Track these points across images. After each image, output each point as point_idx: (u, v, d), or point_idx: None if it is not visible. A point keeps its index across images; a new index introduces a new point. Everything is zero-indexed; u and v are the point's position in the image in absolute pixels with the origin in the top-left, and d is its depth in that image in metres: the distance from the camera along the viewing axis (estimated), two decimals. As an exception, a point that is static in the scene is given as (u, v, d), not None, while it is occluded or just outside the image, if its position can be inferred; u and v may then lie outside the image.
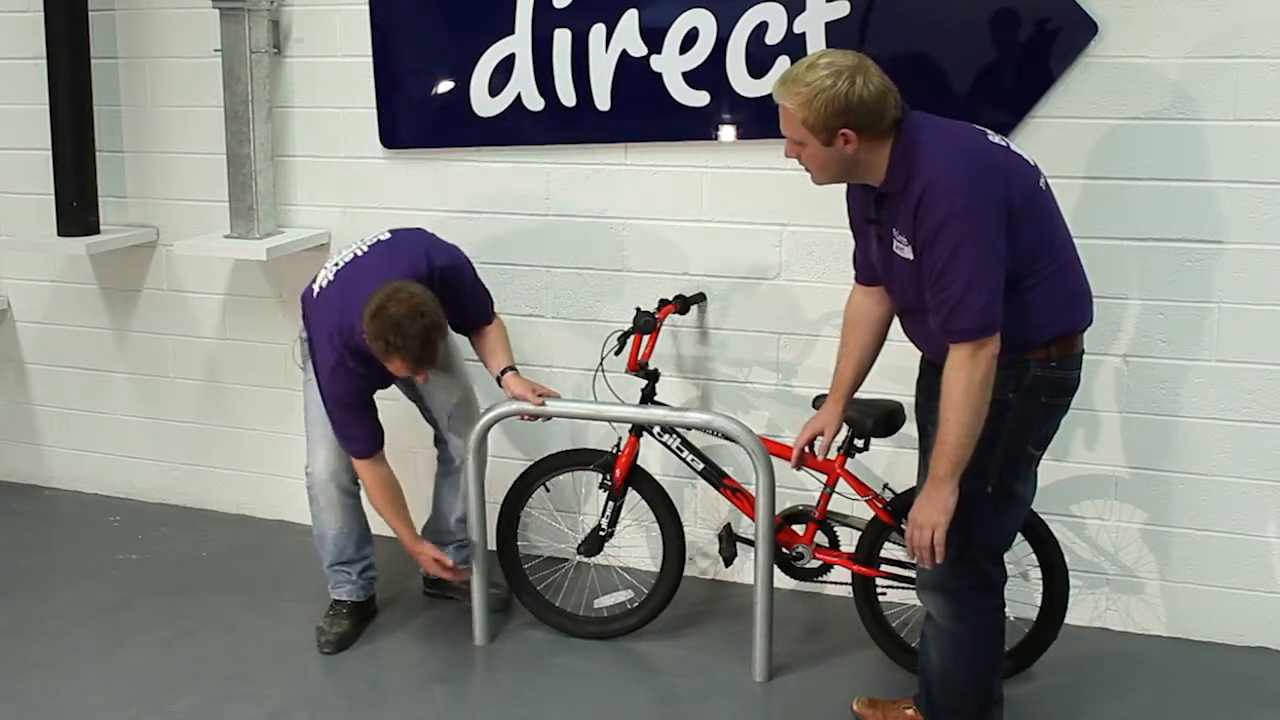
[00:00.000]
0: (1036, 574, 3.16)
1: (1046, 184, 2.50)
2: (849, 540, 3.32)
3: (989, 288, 2.34)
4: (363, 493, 3.45)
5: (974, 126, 2.50)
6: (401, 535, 3.31)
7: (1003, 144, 2.48)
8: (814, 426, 2.95)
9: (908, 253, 2.44)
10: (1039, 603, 3.16)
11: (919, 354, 2.74)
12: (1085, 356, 2.58)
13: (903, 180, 2.39)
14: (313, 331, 3.22)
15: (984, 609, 2.67)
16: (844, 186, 2.65)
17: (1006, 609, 2.74)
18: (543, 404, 3.23)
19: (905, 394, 2.89)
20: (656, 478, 3.45)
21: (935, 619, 2.71)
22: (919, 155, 2.38)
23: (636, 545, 3.83)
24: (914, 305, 2.53)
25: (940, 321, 2.39)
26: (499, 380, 3.29)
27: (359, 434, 3.22)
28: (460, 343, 3.51)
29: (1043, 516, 3.13)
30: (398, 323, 2.91)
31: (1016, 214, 2.37)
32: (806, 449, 2.99)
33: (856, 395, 3.09)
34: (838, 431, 2.95)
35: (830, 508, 3.28)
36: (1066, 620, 3.15)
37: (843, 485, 3.24)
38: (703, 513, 3.80)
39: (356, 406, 3.19)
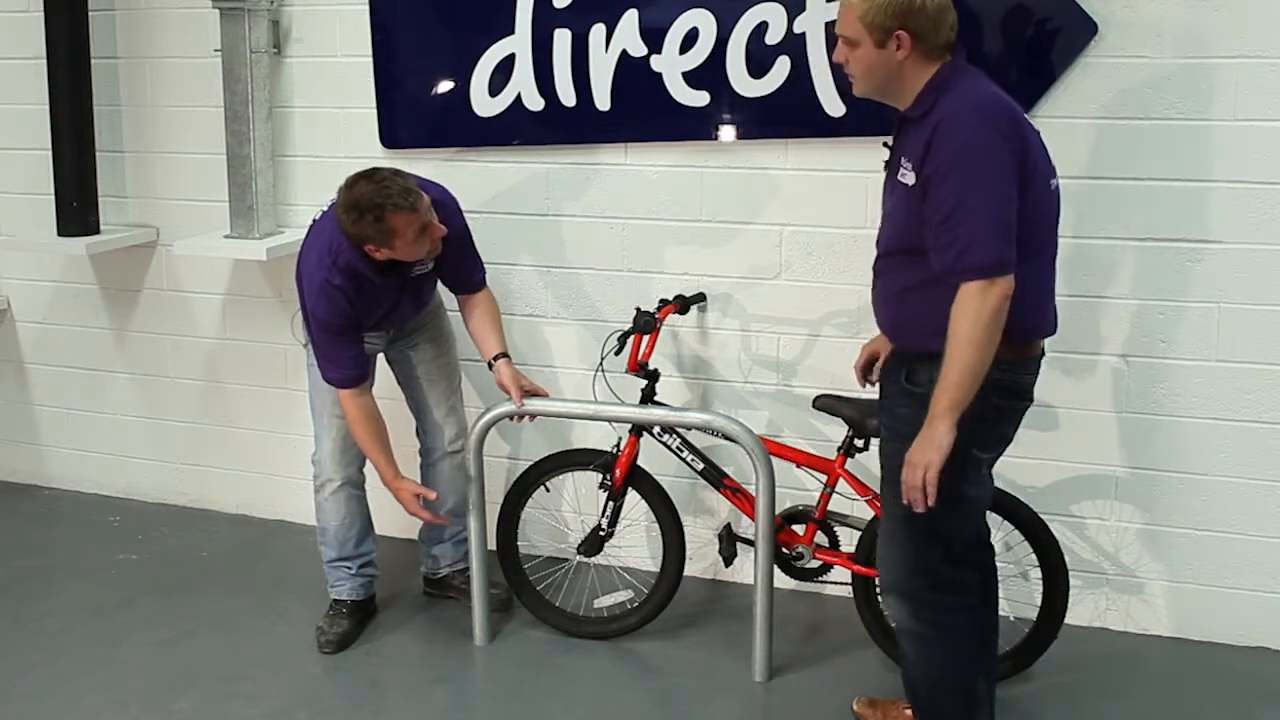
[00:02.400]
0: (1036, 574, 3.16)
1: (1057, 186, 2.48)
2: (849, 540, 3.32)
3: (1003, 224, 2.30)
4: (369, 488, 3.47)
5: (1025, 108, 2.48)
6: (381, 470, 3.22)
7: (1036, 129, 2.46)
8: (871, 348, 2.91)
9: (909, 178, 2.40)
10: (1039, 603, 3.16)
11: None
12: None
13: (927, 106, 2.37)
14: (302, 261, 3.16)
15: (945, 609, 2.60)
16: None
17: (975, 608, 2.66)
18: (523, 404, 3.23)
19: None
20: (656, 478, 3.45)
21: (898, 621, 2.68)
22: (950, 89, 2.36)
23: (636, 545, 3.83)
24: (897, 245, 2.49)
25: (952, 258, 2.32)
26: (490, 365, 3.28)
27: (343, 361, 3.14)
28: (461, 340, 3.52)
29: (1043, 516, 3.13)
30: (370, 194, 2.89)
31: (1023, 181, 2.34)
32: (865, 372, 2.94)
33: (856, 396, 3.10)
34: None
35: (830, 508, 3.28)
36: (1066, 620, 3.15)
37: (843, 485, 3.24)
38: (703, 513, 3.80)
39: (343, 332, 3.11)
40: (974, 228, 2.29)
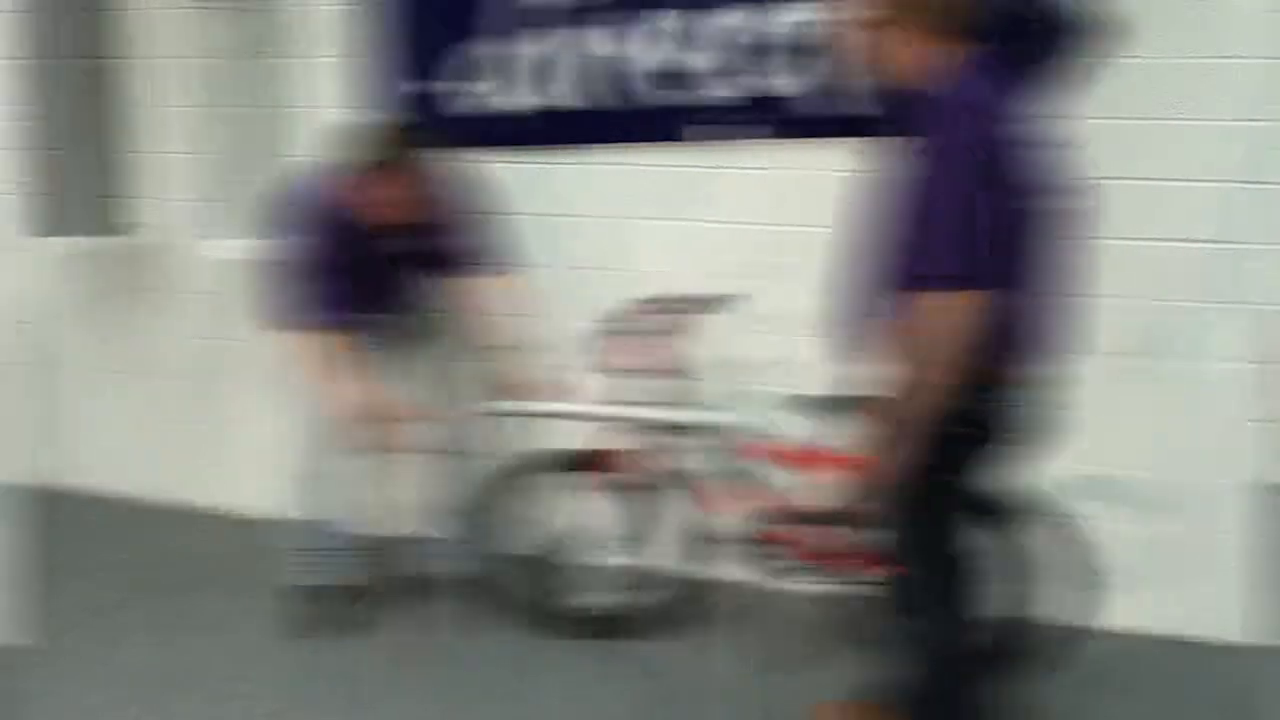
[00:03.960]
0: (1029, 574, 3.15)
1: (1054, 211, 2.32)
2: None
3: (974, 232, 2.16)
4: (360, 482, 3.48)
5: (1030, 112, 2.35)
6: (331, 393, 3.23)
7: (1044, 141, 2.33)
8: None
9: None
10: (1033, 603, 3.15)
11: None
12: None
13: (923, 96, 2.28)
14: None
15: (946, 621, 2.56)
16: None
17: (981, 623, 2.62)
18: (520, 403, 3.23)
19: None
20: (655, 478, 3.45)
21: (910, 633, 2.62)
22: (949, 81, 2.26)
23: (636, 545, 3.82)
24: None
25: (917, 266, 2.21)
26: (490, 361, 3.29)
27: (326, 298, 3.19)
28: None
29: (1043, 517, 3.13)
30: (390, 138, 3.08)
31: (991, 192, 2.20)
32: None
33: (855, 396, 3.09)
34: None
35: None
36: (1067, 620, 3.15)
37: (842, 485, 3.25)
38: (700, 512, 3.80)
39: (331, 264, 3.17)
40: (941, 234, 2.17)
